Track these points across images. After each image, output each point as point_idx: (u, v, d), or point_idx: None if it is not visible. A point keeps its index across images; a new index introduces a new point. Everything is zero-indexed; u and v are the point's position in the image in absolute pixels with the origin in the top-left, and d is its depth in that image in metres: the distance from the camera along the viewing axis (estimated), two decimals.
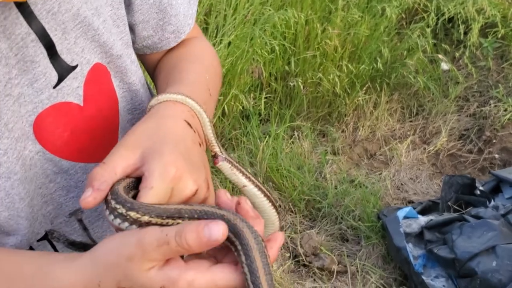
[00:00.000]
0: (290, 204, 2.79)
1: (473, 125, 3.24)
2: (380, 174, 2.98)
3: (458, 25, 3.37)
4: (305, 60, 3.11)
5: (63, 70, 0.73)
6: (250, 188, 0.78)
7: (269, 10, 3.00)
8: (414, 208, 2.53)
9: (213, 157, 0.77)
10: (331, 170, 2.97)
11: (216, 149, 0.76)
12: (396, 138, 3.22)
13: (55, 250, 0.85)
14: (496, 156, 3.06)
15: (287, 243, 2.60)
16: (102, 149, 0.82)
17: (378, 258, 2.53)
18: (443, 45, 3.43)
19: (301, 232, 2.65)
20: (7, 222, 0.74)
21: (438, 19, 3.41)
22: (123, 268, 0.58)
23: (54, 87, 0.73)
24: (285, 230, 2.68)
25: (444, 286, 2.20)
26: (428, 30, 3.29)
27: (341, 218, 2.71)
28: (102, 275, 0.60)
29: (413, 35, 3.28)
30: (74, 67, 0.74)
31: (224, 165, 0.76)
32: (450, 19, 3.49)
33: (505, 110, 3.16)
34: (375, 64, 3.16)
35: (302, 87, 3.09)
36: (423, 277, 2.22)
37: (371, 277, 2.45)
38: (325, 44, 3.08)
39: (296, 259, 2.55)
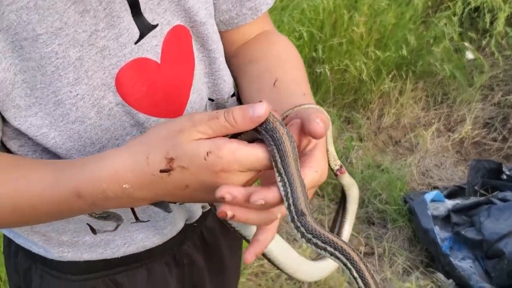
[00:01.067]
0: (317, 188, 2.83)
1: (497, 114, 3.26)
2: (406, 160, 3.01)
3: (484, 14, 3.38)
4: (332, 47, 3.14)
5: (144, 28, 0.78)
6: (355, 189, 0.99)
7: None
8: (441, 193, 2.57)
9: (338, 170, 0.89)
10: (357, 156, 3.01)
11: (339, 162, 0.89)
12: (421, 125, 3.25)
13: None
14: None
15: None
16: (174, 106, 0.87)
17: (404, 240, 2.57)
18: (469, 33, 3.44)
19: (328, 215, 2.70)
20: None
21: (464, 8, 3.42)
22: (172, 138, 0.63)
23: (136, 43, 0.78)
24: (313, 213, 2.72)
25: (471, 267, 2.24)
26: (455, 18, 3.31)
27: (368, 201, 2.75)
28: (151, 147, 0.64)
29: (440, 23, 3.30)
30: (155, 26, 0.79)
31: (347, 174, 0.93)
32: (476, 8, 3.50)
33: None
34: (401, 51, 3.18)
35: (328, 74, 3.12)
36: (451, 258, 2.26)
37: (398, 258, 2.49)
38: (352, 32, 3.12)
39: None
